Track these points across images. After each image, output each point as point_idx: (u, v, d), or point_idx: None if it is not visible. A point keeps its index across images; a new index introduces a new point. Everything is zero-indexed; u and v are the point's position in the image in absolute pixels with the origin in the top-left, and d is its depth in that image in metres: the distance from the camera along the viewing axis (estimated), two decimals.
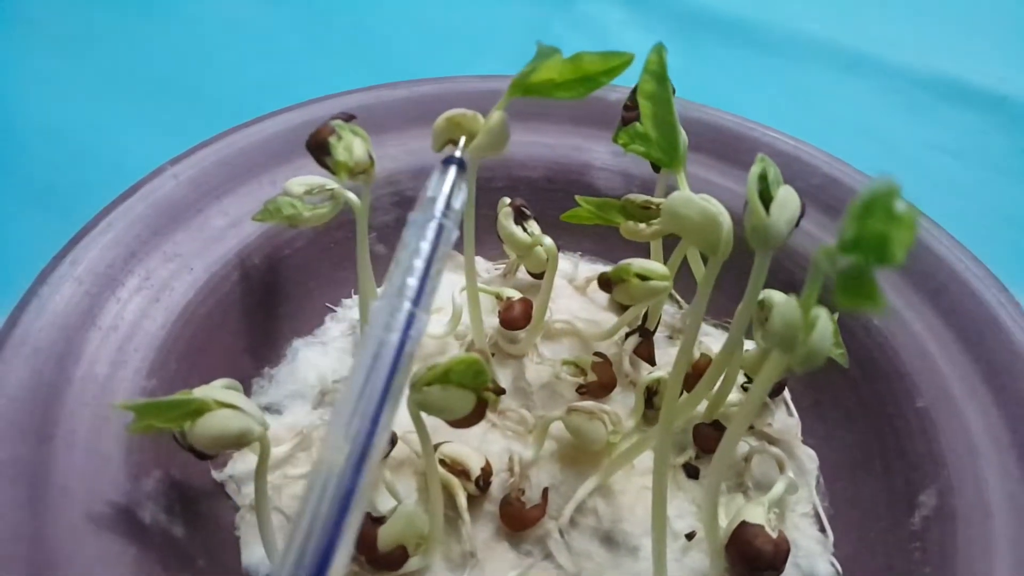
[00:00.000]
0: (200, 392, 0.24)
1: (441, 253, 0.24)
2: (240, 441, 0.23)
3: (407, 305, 0.22)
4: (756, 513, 0.27)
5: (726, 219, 0.23)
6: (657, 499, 0.26)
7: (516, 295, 0.35)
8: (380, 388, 0.20)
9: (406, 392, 0.23)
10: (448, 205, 0.24)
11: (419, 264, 0.23)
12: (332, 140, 0.25)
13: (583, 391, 0.32)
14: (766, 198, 0.22)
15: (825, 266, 0.16)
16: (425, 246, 0.23)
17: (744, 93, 0.53)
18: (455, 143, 0.26)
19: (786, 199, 0.22)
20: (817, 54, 0.58)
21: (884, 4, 0.62)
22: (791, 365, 0.18)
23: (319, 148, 0.25)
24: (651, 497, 0.26)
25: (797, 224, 0.23)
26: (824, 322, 0.18)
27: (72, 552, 0.23)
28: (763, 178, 0.22)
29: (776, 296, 0.28)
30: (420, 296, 0.22)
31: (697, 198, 0.24)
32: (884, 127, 0.52)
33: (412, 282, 0.22)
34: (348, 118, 0.26)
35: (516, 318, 0.34)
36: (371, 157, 0.26)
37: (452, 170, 0.25)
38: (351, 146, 0.25)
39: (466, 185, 0.25)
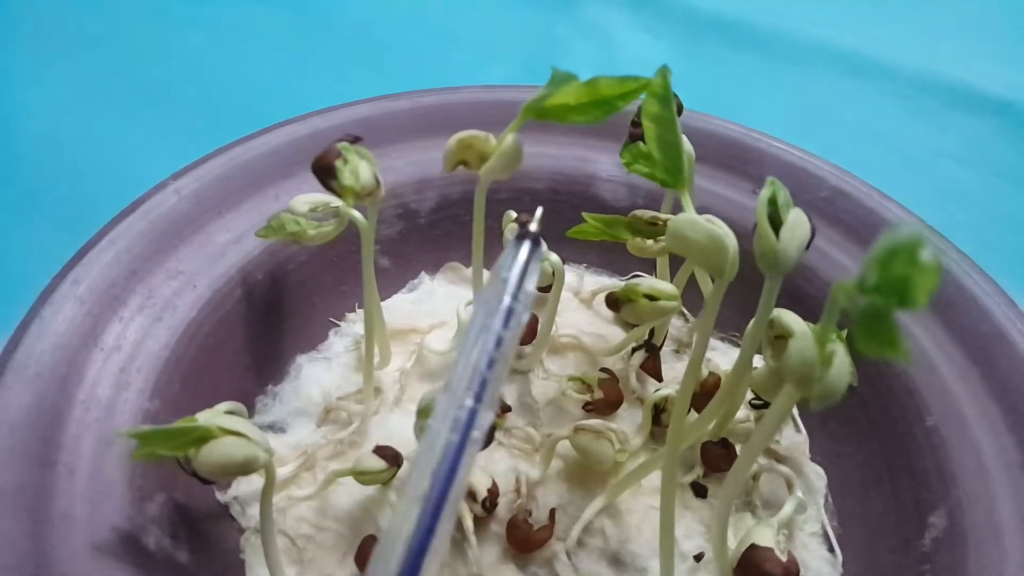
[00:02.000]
0: (203, 418, 0.24)
1: (511, 341, 0.22)
2: (245, 469, 0.23)
3: (470, 402, 0.20)
4: (765, 535, 0.27)
5: (732, 242, 0.23)
6: (665, 521, 0.26)
7: None
8: (437, 494, 0.19)
9: (411, 406, 0.23)
10: (519, 287, 0.22)
11: (487, 356, 0.21)
12: (338, 164, 0.24)
13: (589, 408, 0.32)
14: (776, 222, 0.22)
15: (843, 302, 0.16)
16: (495, 334, 0.21)
17: (749, 98, 0.53)
18: (467, 164, 0.26)
19: (796, 223, 0.22)
20: (823, 59, 0.57)
21: (890, 9, 0.62)
22: (808, 401, 0.18)
23: (325, 172, 0.25)
24: (659, 517, 0.26)
25: (808, 246, 0.23)
26: (841, 358, 0.17)
27: None
28: (773, 202, 0.22)
29: (786, 315, 0.28)
30: (484, 392, 0.21)
31: (703, 220, 0.23)
32: (890, 132, 0.52)
33: (479, 376, 0.21)
34: (354, 140, 0.25)
35: (521, 333, 0.33)
36: (377, 180, 0.25)
37: (525, 247, 0.23)
38: (357, 170, 0.25)
39: (539, 264, 0.23)
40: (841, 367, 0.17)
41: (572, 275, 0.38)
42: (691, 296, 0.34)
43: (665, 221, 0.29)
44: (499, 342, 0.21)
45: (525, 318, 0.23)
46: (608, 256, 0.38)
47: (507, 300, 0.22)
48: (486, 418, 0.21)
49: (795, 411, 0.34)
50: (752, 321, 0.24)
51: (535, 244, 0.23)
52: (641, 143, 0.27)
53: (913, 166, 0.49)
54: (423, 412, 0.23)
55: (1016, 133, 0.52)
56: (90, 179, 0.44)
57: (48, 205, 0.43)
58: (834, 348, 0.18)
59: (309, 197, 0.29)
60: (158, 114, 0.49)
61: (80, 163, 0.45)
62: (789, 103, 0.54)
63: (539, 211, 0.24)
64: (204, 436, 0.23)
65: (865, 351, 0.14)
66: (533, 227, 0.23)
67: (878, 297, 0.14)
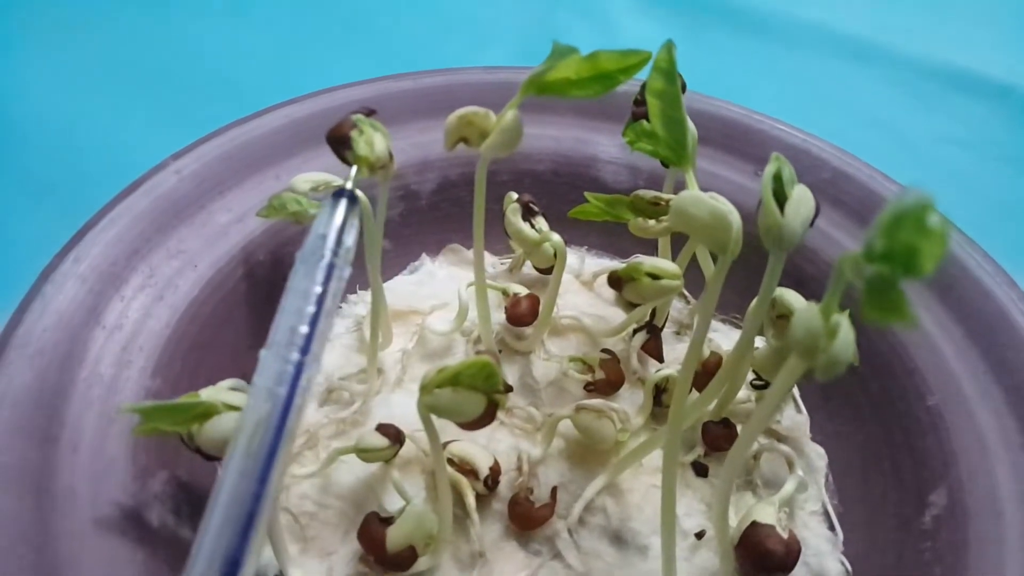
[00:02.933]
0: (207, 394, 0.24)
1: (332, 296, 0.23)
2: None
3: (296, 355, 0.21)
4: (767, 513, 0.27)
5: (736, 218, 0.23)
6: (666, 498, 0.26)
7: (523, 291, 0.34)
8: (267, 448, 0.20)
9: (415, 393, 0.23)
10: (339, 243, 0.23)
11: (310, 310, 0.22)
12: (354, 135, 0.24)
13: (591, 388, 0.32)
14: (780, 198, 0.22)
15: (849, 274, 0.16)
16: (316, 289, 0.22)
17: (751, 83, 0.53)
18: (467, 141, 0.26)
19: (801, 199, 0.22)
20: (825, 44, 0.57)
21: None
22: (813, 372, 0.18)
23: (340, 142, 0.24)
24: (660, 496, 0.26)
25: (812, 224, 0.22)
26: (846, 329, 0.17)
27: (79, 556, 0.23)
28: (777, 178, 0.22)
29: (788, 295, 0.28)
30: (309, 345, 0.21)
31: (706, 197, 0.23)
32: (892, 118, 0.52)
33: (302, 330, 0.21)
34: (368, 112, 0.25)
35: (523, 314, 0.34)
36: (391, 154, 0.25)
37: (342, 204, 0.23)
38: (372, 141, 0.24)
39: (357, 221, 0.24)
40: (846, 338, 0.17)
41: (573, 257, 0.38)
42: (692, 278, 0.34)
43: (667, 201, 0.29)
44: (320, 298, 0.22)
45: (346, 273, 0.23)
46: (609, 238, 0.38)
47: (328, 256, 0.23)
48: (312, 370, 0.21)
49: (796, 391, 0.34)
50: (755, 299, 0.24)
51: (352, 201, 0.23)
52: (644, 121, 0.27)
53: (914, 151, 0.49)
54: (426, 387, 0.23)
55: (1017, 118, 0.52)
56: (89, 162, 0.44)
57: (47, 187, 0.43)
58: (839, 320, 0.18)
59: (310, 176, 0.29)
60: (157, 97, 0.49)
61: (79, 146, 0.45)
62: (791, 88, 0.54)
63: (353, 170, 0.24)
64: (207, 412, 0.23)
65: (872, 319, 0.14)
66: (348, 185, 0.23)
67: (884, 266, 0.14)
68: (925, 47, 0.56)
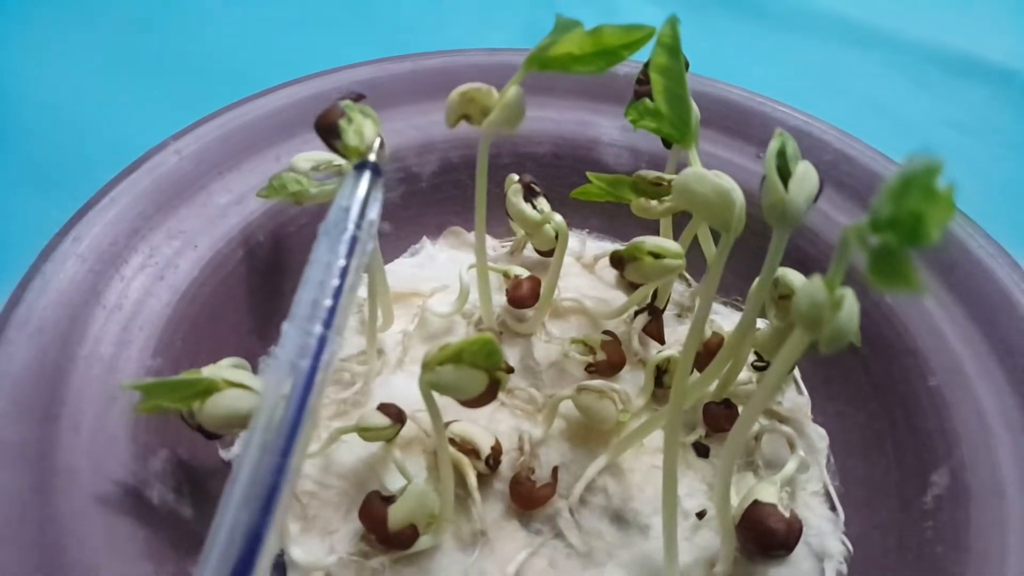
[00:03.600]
0: (208, 371, 0.24)
1: (355, 269, 0.22)
2: (246, 421, 0.23)
3: (319, 329, 0.21)
4: (768, 492, 0.27)
5: (738, 196, 0.23)
6: (667, 478, 0.26)
7: (524, 273, 0.34)
8: (291, 421, 0.20)
9: (416, 374, 0.23)
10: (362, 215, 0.23)
11: (333, 283, 0.22)
12: (342, 123, 0.24)
13: (592, 370, 0.32)
14: (784, 174, 0.22)
15: (855, 245, 0.15)
16: (340, 262, 0.22)
17: (754, 67, 0.53)
18: (469, 119, 0.25)
19: (805, 175, 0.22)
20: (827, 28, 0.57)
21: None
22: (818, 344, 0.18)
23: (328, 131, 0.24)
24: (661, 476, 0.26)
25: (816, 200, 0.22)
26: (851, 301, 0.17)
27: (81, 533, 0.23)
28: (781, 154, 0.22)
29: (791, 275, 0.28)
30: (332, 318, 0.21)
31: (710, 174, 0.23)
32: (894, 102, 0.51)
33: (326, 303, 0.21)
34: (357, 98, 0.25)
35: (524, 296, 0.33)
36: (382, 139, 0.25)
37: (366, 176, 0.23)
38: (361, 129, 0.24)
39: (381, 194, 0.24)
40: (850, 311, 0.17)
41: (575, 240, 0.38)
42: (694, 261, 0.34)
43: (669, 182, 0.29)
44: (344, 271, 0.22)
45: (369, 247, 0.23)
46: (611, 221, 0.38)
47: (351, 229, 0.22)
48: (335, 344, 0.21)
49: (797, 373, 0.34)
50: (758, 277, 0.24)
51: (375, 173, 0.23)
52: (647, 100, 0.27)
53: (915, 135, 0.49)
54: (428, 365, 0.23)
55: (1018, 102, 0.52)
56: (89, 144, 0.44)
57: (46, 169, 0.43)
58: (843, 292, 0.18)
59: (311, 155, 0.29)
60: (156, 80, 0.49)
61: (79, 128, 0.45)
62: (792, 72, 0.53)
63: (377, 141, 0.24)
64: (209, 388, 0.23)
65: (879, 287, 0.14)
66: (372, 157, 0.23)
67: (891, 233, 0.14)
68: (926, 31, 0.56)
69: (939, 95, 0.52)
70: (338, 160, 0.29)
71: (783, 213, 0.21)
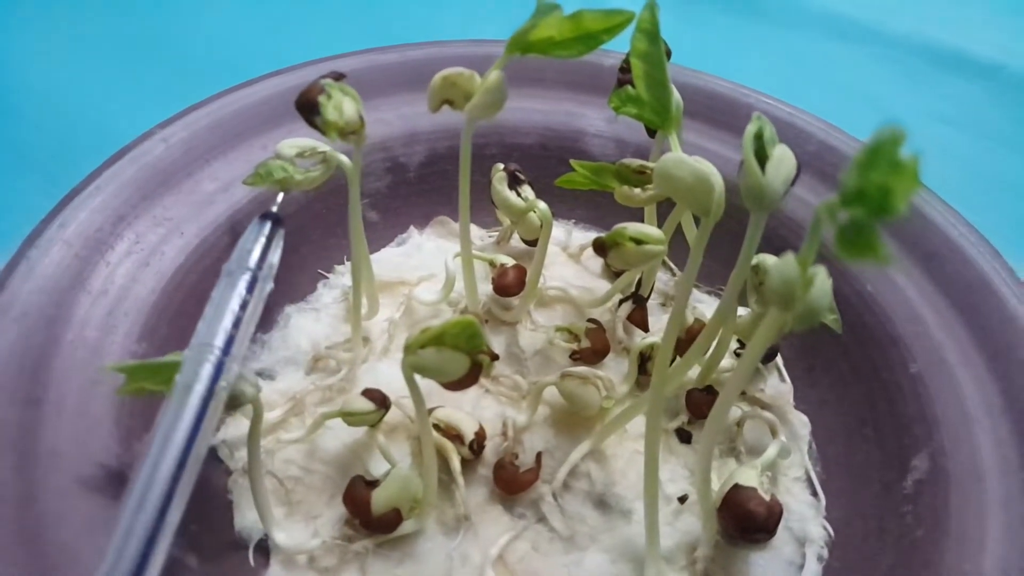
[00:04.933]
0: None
1: (254, 307, 0.25)
2: (233, 403, 0.23)
3: (216, 355, 0.23)
4: (749, 476, 0.27)
5: (718, 180, 0.23)
6: (649, 463, 0.26)
7: (510, 262, 0.34)
8: (182, 442, 0.21)
9: (399, 355, 0.23)
10: (263, 258, 0.26)
11: (232, 314, 0.24)
12: (322, 99, 0.24)
13: (576, 357, 0.32)
14: (762, 157, 0.22)
15: (826, 220, 0.16)
16: (237, 299, 0.25)
17: (740, 60, 0.53)
18: (452, 103, 0.26)
19: (782, 158, 0.22)
20: (814, 21, 0.57)
21: None
22: (789, 323, 0.18)
23: (308, 108, 0.24)
24: (643, 461, 0.26)
25: (793, 184, 0.23)
26: (822, 279, 0.18)
27: (62, 516, 0.23)
28: (759, 137, 0.22)
29: (771, 261, 0.28)
30: (230, 345, 0.24)
31: (689, 159, 0.23)
32: (881, 95, 0.52)
33: (224, 331, 0.24)
34: (338, 77, 0.25)
35: (510, 284, 0.34)
36: (361, 118, 0.25)
37: (267, 225, 0.27)
38: (341, 106, 0.24)
39: (282, 241, 0.28)
40: (822, 288, 0.18)
41: (560, 230, 0.38)
42: (678, 250, 0.34)
43: (653, 170, 0.29)
44: (244, 304, 0.25)
45: (268, 287, 0.27)
46: (596, 211, 0.38)
47: (251, 270, 0.26)
48: (232, 370, 0.23)
49: (780, 361, 0.34)
50: (737, 262, 0.24)
51: (276, 223, 0.27)
52: (630, 87, 0.27)
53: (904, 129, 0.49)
54: (410, 347, 0.23)
55: (1007, 96, 0.52)
56: (75, 133, 0.44)
57: (33, 158, 0.43)
58: (815, 270, 0.18)
59: (296, 141, 0.29)
60: (143, 69, 0.49)
61: (65, 117, 0.45)
62: (779, 66, 0.54)
63: (280, 195, 0.29)
64: None
65: (848, 258, 0.15)
66: (274, 208, 0.27)
67: (859, 206, 0.14)
68: (914, 25, 0.56)
69: (927, 89, 0.52)
70: (323, 146, 0.29)
71: (760, 196, 0.22)
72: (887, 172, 0.14)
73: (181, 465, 0.21)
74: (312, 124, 0.25)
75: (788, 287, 0.17)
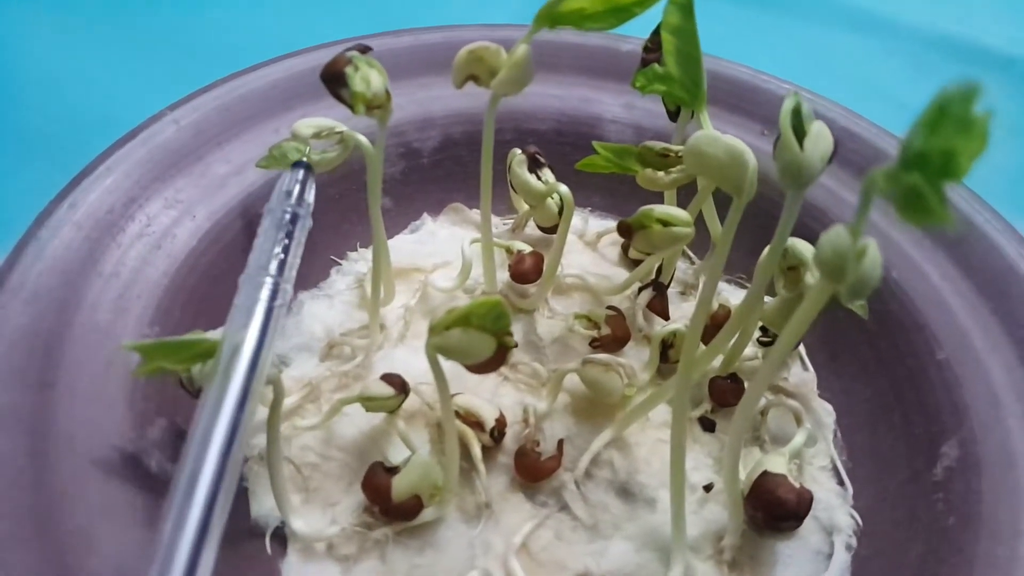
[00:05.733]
0: (211, 334, 0.23)
1: (298, 236, 0.27)
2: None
3: (272, 276, 0.24)
4: (777, 463, 0.27)
5: (751, 158, 0.23)
6: (676, 451, 0.25)
7: (527, 248, 0.34)
8: (249, 357, 0.22)
9: (418, 349, 0.23)
10: (302, 196, 0.28)
11: (282, 243, 0.26)
12: (348, 71, 0.24)
13: (596, 345, 0.31)
14: (799, 133, 0.21)
15: (882, 187, 0.15)
16: (282, 231, 0.26)
17: (752, 51, 0.52)
18: (476, 79, 0.25)
19: (820, 134, 0.21)
20: (827, 13, 0.57)
21: None
22: (844, 295, 0.17)
23: (335, 79, 0.24)
24: (667, 450, 0.25)
25: (829, 162, 0.22)
26: (874, 250, 0.17)
27: (77, 499, 0.23)
28: (796, 112, 0.22)
29: (800, 245, 0.27)
30: (283, 268, 0.25)
31: (723, 136, 0.23)
32: (892, 87, 0.51)
33: (277, 255, 0.25)
34: (364, 50, 0.25)
35: (527, 271, 0.33)
36: (388, 91, 0.25)
37: (301, 171, 0.28)
38: (368, 77, 0.24)
39: (314, 182, 0.29)
40: (874, 259, 0.17)
41: (577, 218, 0.37)
42: (696, 239, 0.34)
43: (676, 153, 0.29)
44: (289, 234, 0.26)
45: (308, 223, 0.28)
46: (613, 199, 0.38)
47: (292, 206, 0.27)
48: (287, 292, 0.25)
49: (802, 350, 0.34)
50: (768, 246, 0.24)
51: (308, 169, 0.29)
52: (656, 65, 0.27)
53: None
54: (435, 328, 0.22)
55: (1019, 88, 0.51)
56: (84, 118, 0.43)
57: (41, 143, 0.42)
58: (867, 242, 0.17)
59: (313, 121, 0.28)
60: (150, 55, 0.48)
61: (74, 102, 0.44)
62: (792, 57, 0.53)
63: (308, 148, 0.29)
64: (211, 350, 0.22)
65: (909, 222, 0.14)
66: (304, 159, 0.29)
67: (922, 169, 0.14)
68: (926, 18, 0.56)
69: (937, 81, 0.51)
70: (340, 127, 0.28)
71: (798, 172, 0.21)
72: (955, 130, 0.13)
73: (250, 376, 0.21)
74: (338, 97, 0.24)
75: (840, 258, 0.17)
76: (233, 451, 0.20)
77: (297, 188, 0.28)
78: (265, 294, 0.24)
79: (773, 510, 0.26)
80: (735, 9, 0.57)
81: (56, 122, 0.43)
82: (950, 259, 0.32)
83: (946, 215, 0.13)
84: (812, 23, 0.56)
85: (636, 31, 0.39)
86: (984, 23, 0.55)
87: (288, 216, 0.27)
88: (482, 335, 0.22)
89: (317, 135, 0.29)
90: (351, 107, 0.24)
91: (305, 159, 0.29)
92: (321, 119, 0.28)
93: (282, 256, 0.25)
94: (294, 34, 0.42)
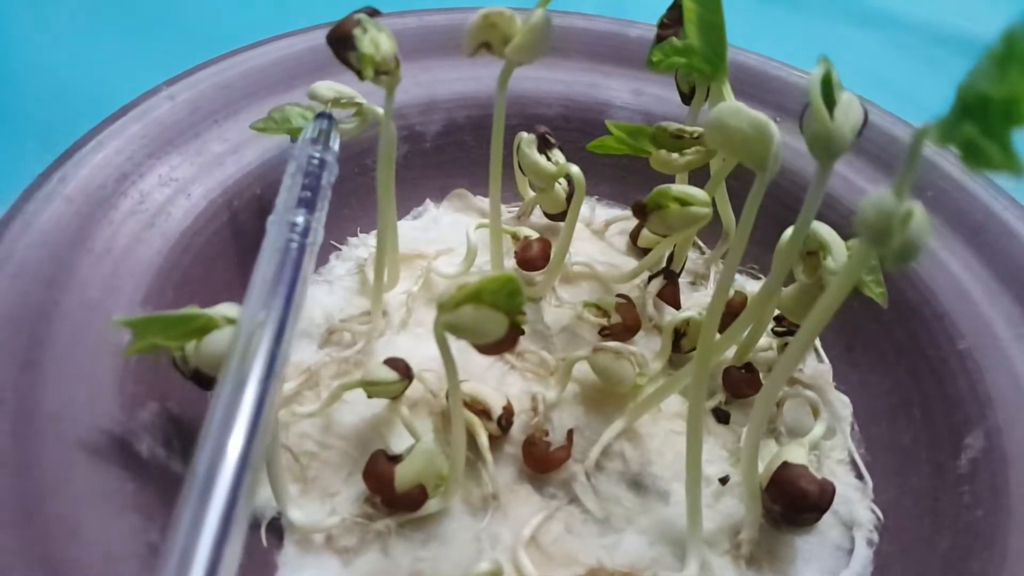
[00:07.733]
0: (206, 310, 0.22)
1: (325, 180, 0.26)
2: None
3: (303, 216, 0.24)
4: (797, 454, 0.26)
5: (776, 131, 0.22)
6: (692, 442, 0.24)
7: (534, 235, 0.33)
8: (284, 295, 0.21)
9: (421, 336, 0.22)
10: (327, 143, 0.27)
11: (309, 187, 0.25)
12: (356, 32, 0.22)
13: (606, 333, 0.30)
14: (829, 103, 0.20)
15: (939, 140, 0.14)
16: (308, 177, 0.25)
17: (759, 44, 0.52)
18: (489, 47, 0.24)
19: (850, 103, 0.20)
20: (834, 7, 0.56)
21: None
22: (890, 260, 0.16)
23: (342, 42, 0.23)
24: (680, 441, 0.25)
25: (859, 134, 0.21)
26: (921, 213, 0.16)
27: (63, 484, 0.21)
28: (826, 81, 0.21)
29: (820, 228, 0.26)
30: (315, 203, 0.25)
31: (746, 108, 0.22)
32: (900, 82, 0.51)
33: (303, 199, 0.24)
34: (373, 12, 0.23)
35: (534, 258, 0.32)
36: (396, 57, 0.24)
37: (326, 121, 0.27)
38: (377, 40, 0.23)
39: (337, 132, 0.28)
40: (922, 221, 0.16)
41: (584, 207, 0.36)
42: (708, 228, 0.33)
43: (691, 134, 0.28)
44: (318, 177, 0.26)
45: (335, 170, 0.27)
46: (621, 187, 0.37)
47: (320, 152, 0.26)
48: (319, 232, 0.25)
49: (817, 341, 0.33)
50: (792, 226, 0.23)
51: (331, 119, 0.27)
52: (674, 39, 0.26)
53: (923, 114, 0.48)
54: (445, 305, 0.21)
55: None
56: (75, 100, 0.42)
57: (29, 126, 0.41)
58: (912, 205, 0.16)
59: (335, 85, 0.27)
60: (143, 36, 0.47)
61: (65, 87, 0.43)
62: (799, 51, 0.52)
63: (329, 105, 0.28)
64: (207, 325, 0.21)
65: (974, 168, 0.13)
66: (327, 110, 0.28)
67: (985, 113, 0.13)
68: (933, 12, 0.56)
69: (945, 76, 0.51)
70: (359, 98, 0.27)
71: (828, 143, 0.20)
72: (1020, 74, 0.12)
73: (287, 309, 0.21)
74: (345, 61, 0.23)
75: (885, 220, 0.16)
76: (265, 412, 0.19)
77: (322, 136, 0.27)
78: (297, 233, 0.23)
79: (795, 502, 0.25)
80: (744, 3, 0.57)
81: (48, 104, 0.42)
82: (968, 246, 0.31)
83: (1014, 162, 0.12)
84: (819, 16, 0.56)
85: (644, 16, 0.38)
86: (992, 19, 0.55)
87: (316, 161, 0.26)
88: (495, 313, 0.21)
89: (337, 100, 0.27)
90: (358, 72, 0.23)
91: (328, 110, 0.28)
92: (342, 86, 0.27)
93: (309, 195, 0.24)
94: (293, 16, 0.41)
